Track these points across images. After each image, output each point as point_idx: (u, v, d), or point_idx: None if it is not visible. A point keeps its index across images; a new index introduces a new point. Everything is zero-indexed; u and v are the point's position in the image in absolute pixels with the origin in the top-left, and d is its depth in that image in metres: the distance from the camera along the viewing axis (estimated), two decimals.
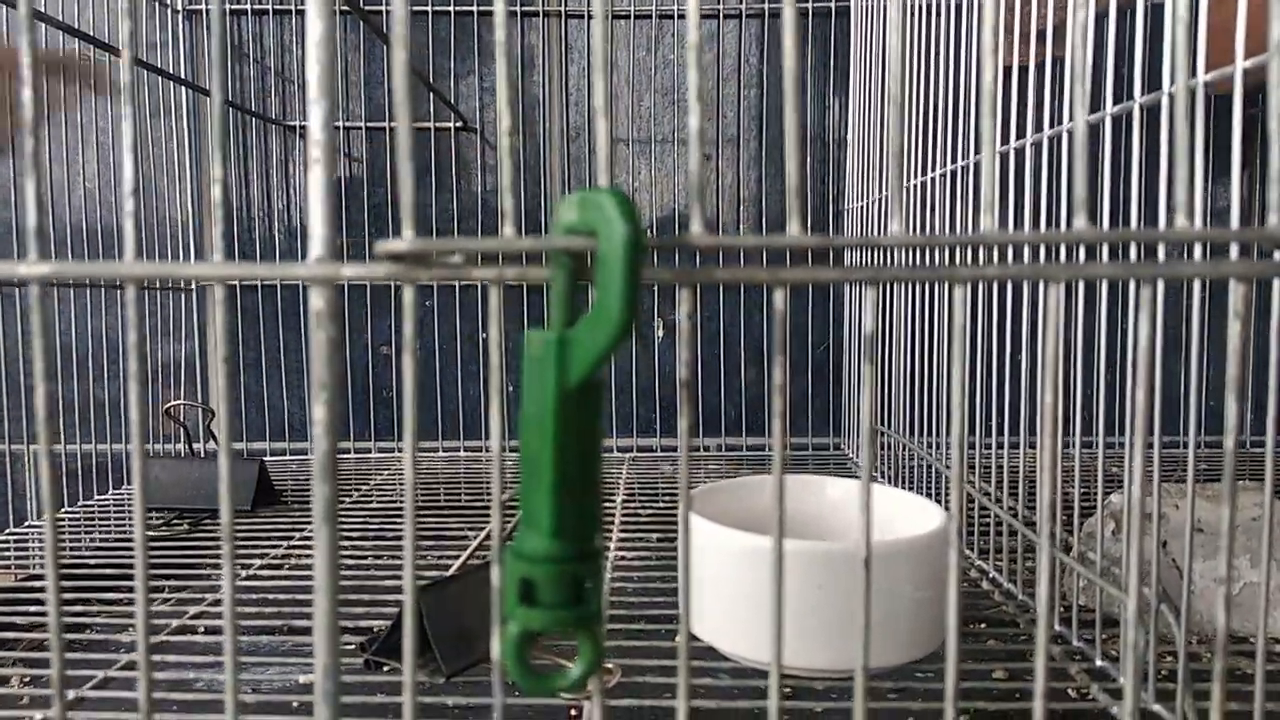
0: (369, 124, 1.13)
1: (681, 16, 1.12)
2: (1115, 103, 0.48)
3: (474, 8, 1.12)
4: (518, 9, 1.12)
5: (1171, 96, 0.43)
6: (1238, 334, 0.28)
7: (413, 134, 0.26)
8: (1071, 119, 0.47)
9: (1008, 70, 0.62)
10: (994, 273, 0.29)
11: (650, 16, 1.13)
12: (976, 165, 0.65)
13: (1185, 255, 0.54)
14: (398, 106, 0.26)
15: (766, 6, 1.12)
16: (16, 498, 0.99)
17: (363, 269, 0.26)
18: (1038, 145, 0.56)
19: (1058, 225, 0.58)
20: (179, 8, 1.10)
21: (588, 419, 0.25)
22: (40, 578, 0.66)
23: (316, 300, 0.26)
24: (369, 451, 1.12)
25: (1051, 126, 0.55)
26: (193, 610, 0.59)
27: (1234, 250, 0.36)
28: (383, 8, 1.11)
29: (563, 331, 0.25)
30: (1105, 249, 0.47)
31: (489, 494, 0.86)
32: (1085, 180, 0.28)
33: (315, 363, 0.26)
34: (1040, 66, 0.59)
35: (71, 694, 0.46)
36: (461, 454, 1.13)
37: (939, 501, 0.66)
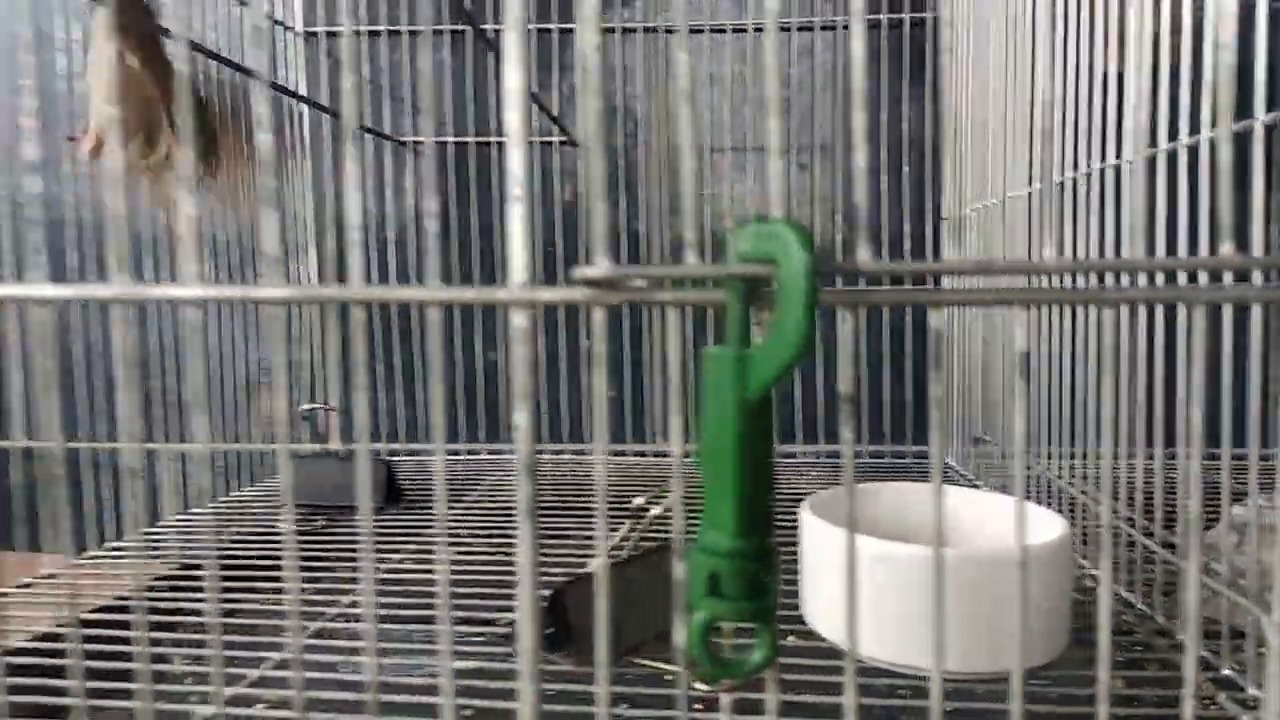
0: (478, 139, 1.18)
1: (782, 29, 1.15)
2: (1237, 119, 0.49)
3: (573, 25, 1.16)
4: (637, 26, 1.16)
5: None
6: None
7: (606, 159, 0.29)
8: (1193, 134, 0.48)
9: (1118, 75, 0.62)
10: (1139, 295, 0.31)
11: (746, 30, 1.16)
12: (1089, 175, 0.66)
13: None
14: (590, 150, 0.29)
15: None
16: (174, 495, 1.07)
17: (560, 292, 0.30)
18: (1151, 161, 0.57)
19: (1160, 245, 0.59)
20: (299, 30, 1.17)
21: (764, 429, 0.28)
22: (196, 567, 0.71)
23: (520, 320, 0.29)
24: (478, 453, 1.18)
25: (1169, 141, 0.56)
26: (345, 600, 0.63)
27: None
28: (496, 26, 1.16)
29: (740, 350, 0.28)
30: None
31: (614, 497, 0.89)
32: (1229, 204, 0.30)
33: (516, 375, 0.29)
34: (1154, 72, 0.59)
35: (254, 673, 0.51)
36: (569, 457, 1.17)
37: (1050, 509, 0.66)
